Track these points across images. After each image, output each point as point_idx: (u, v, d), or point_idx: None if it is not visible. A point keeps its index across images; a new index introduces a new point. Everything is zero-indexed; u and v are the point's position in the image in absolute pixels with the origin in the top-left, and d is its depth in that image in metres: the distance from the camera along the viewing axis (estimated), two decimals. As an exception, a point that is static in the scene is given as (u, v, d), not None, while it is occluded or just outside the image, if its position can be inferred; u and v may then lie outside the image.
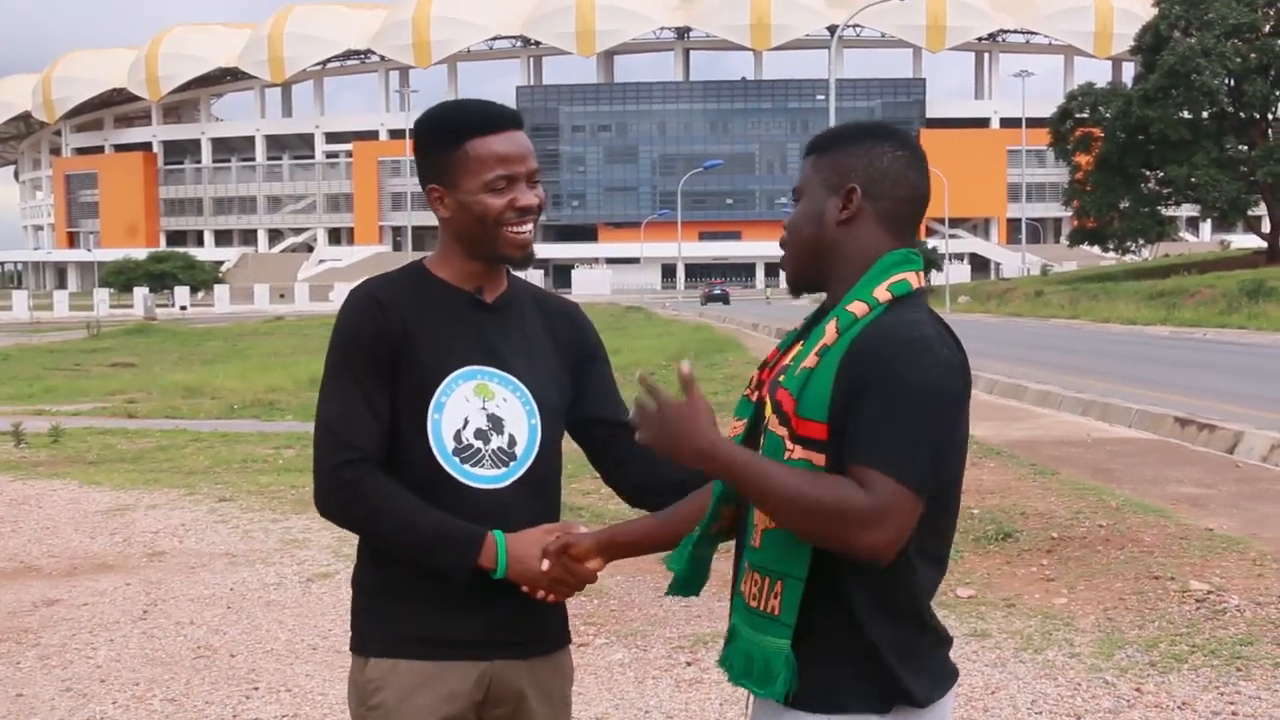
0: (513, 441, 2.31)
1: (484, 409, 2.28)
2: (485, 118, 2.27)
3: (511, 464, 2.30)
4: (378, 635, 2.27)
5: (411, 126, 2.39)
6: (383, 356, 2.22)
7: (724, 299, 72.63)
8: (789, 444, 1.93)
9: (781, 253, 2.15)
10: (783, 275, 2.16)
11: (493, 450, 2.28)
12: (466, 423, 2.26)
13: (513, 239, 2.27)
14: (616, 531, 2.30)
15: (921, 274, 2.05)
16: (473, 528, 2.22)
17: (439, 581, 2.22)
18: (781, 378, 1.99)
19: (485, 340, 2.31)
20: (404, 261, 2.45)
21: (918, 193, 2.06)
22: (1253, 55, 53.05)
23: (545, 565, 2.23)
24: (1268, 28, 54.59)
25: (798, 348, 2.04)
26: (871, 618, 1.93)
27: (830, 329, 1.95)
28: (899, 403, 1.87)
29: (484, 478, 2.27)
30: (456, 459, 2.25)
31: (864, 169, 2.03)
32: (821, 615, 1.93)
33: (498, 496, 2.27)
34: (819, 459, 1.90)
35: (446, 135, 2.27)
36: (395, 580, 2.26)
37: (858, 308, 1.96)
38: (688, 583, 2.17)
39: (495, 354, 2.31)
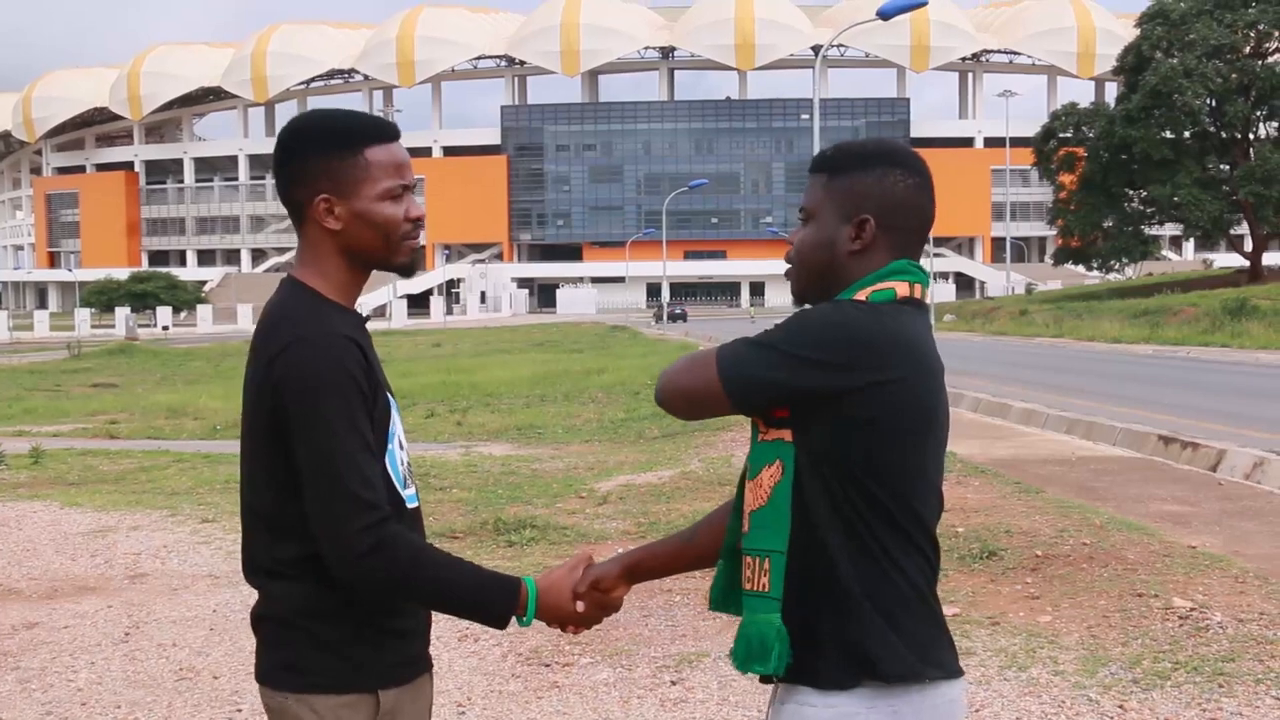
0: (410, 454, 2.29)
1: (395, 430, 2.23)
2: (380, 126, 2.18)
3: (413, 476, 2.28)
4: (377, 664, 2.14)
5: (282, 135, 2.18)
6: (369, 400, 2.10)
7: (683, 317, 79.52)
8: (762, 427, 2.02)
9: (776, 270, 2.16)
10: (762, 291, 2.18)
11: (408, 467, 2.23)
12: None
13: (411, 248, 2.21)
14: (640, 556, 2.30)
15: (916, 285, 2.03)
16: (505, 576, 2.16)
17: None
18: None
19: (379, 359, 2.24)
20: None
21: (927, 218, 2.10)
22: (1234, 76, 53.39)
23: (580, 607, 2.22)
24: (1248, 49, 54.96)
25: None
26: (857, 587, 1.94)
27: None
28: (779, 325, 1.96)
29: (412, 497, 2.22)
30: (408, 487, 2.21)
31: (878, 199, 2.04)
32: (814, 593, 1.96)
33: (418, 512, 2.25)
34: (786, 435, 1.97)
35: (343, 141, 2.14)
36: (382, 602, 2.15)
37: None
38: (724, 600, 2.18)
39: (383, 370, 2.24)
